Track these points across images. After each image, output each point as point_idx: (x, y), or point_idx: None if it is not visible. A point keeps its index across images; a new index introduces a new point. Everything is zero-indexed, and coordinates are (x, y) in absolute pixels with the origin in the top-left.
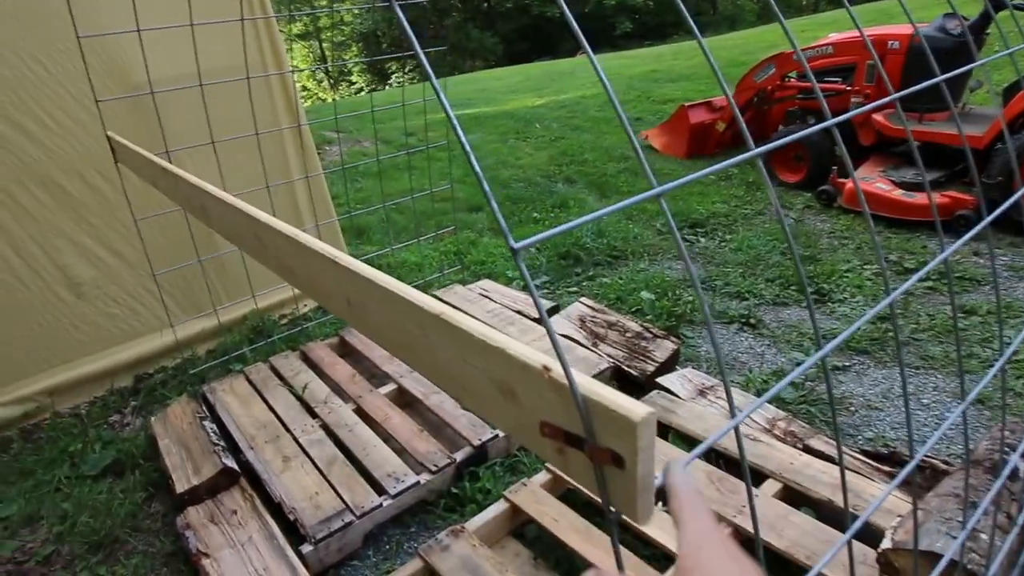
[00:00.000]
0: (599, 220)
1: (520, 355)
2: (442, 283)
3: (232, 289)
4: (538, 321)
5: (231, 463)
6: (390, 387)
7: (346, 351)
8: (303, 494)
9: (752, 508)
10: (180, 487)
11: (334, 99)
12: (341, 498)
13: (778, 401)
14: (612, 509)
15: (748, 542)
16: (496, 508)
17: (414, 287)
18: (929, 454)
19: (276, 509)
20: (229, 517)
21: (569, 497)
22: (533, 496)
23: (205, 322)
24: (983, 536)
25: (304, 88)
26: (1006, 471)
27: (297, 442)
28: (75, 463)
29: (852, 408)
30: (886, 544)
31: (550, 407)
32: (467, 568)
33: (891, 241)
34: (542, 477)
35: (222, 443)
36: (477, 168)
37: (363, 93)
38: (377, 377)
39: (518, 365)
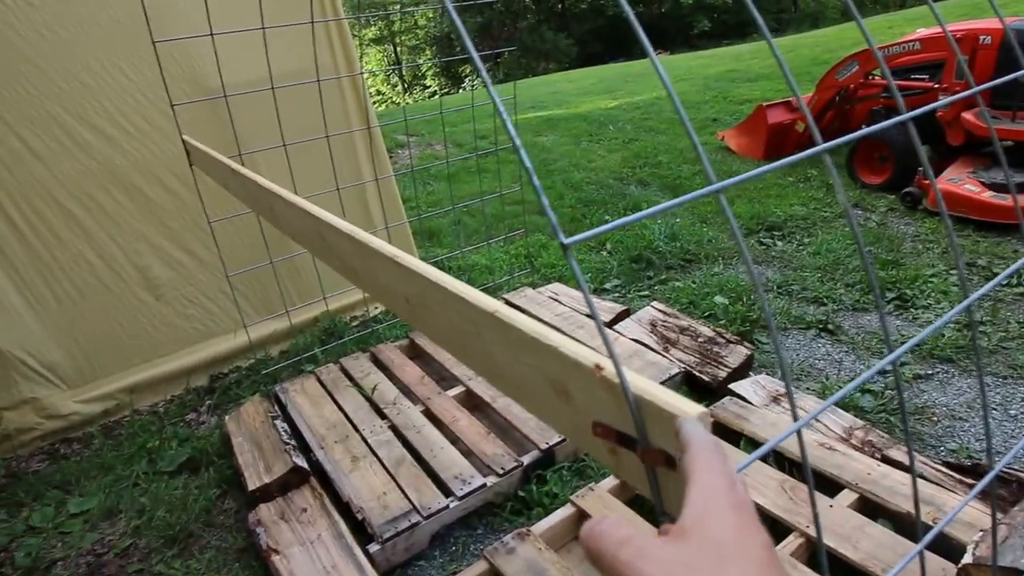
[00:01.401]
0: (672, 225)
1: (572, 353)
2: (512, 286)
3: (304, 291)
4: (610, 325)
5: (301, 462)
6: (458, 389)
7: (415, 353)
8: (371, 494)
9: (815, 513)
10: (252, 484)
11: (406, 103)
12: (408, 499)
13: (857, 410)
14: (664, 512)
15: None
16: (562, 512)
17: (483, 290)
18: (1014, 467)
19: (344, 508)
20: (299, 515)
21: (637, 502)
22: (600, 501)
23: (277, 323)
24: None
25: (378, 92)
26: None
27: (366, 442)
28: (153, 459)
29: (935, 418)
30: (967, 559)
31: (603, 406)
32: (532, 571)
33: (980, 245)
34: (610, 482)
35: (293, 442)
36: (527, 163)
37: (436, 97)
38: (446, 379)
39: (571, 363)
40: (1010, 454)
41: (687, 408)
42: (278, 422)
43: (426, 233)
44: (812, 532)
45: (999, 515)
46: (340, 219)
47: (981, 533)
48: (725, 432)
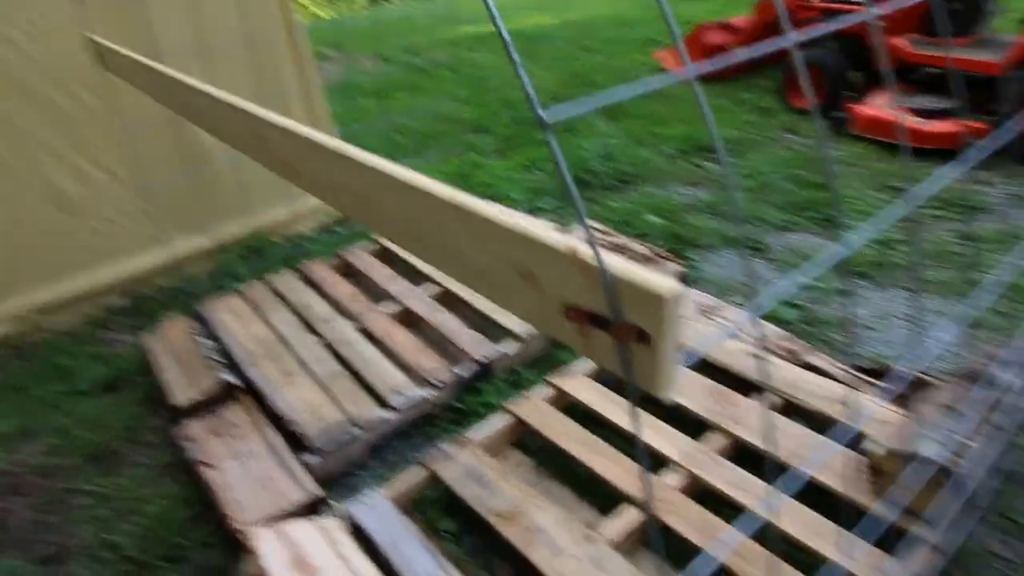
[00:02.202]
0: (608, 145)
1: (545, 238)
2: None
3: (226, 206)
4: None
5: (231, 378)
6: (393, 306)
7: (348, 271)
8: (306, 407)
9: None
10: (179, 401)
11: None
12: (344, 412)
13: (779, 322)
14: (635, 386)
15: (744, 450)
16: (499, 420)
17: None
18: (919, 370)
19: (278, 423)
20: (230, 430)
21: (571, 411)
22: (536, 408)
23: (199, 241)
24: (969, 443)
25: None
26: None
27: (299, 359)
28: (69, 379)
29: (850, 329)
30: (876, 449)
31: (574, 289)
32: (470, 475)
33: (899, 168)
34: (545, 391)
35: (221, 359)
36: (510, 42)
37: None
38: (380, 296)
39: (542, 248)
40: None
41: (663, 283)
42: (203, 340)
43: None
44: (737, 431)
45: (903, 411)
46: (277, 115)
47: (891, 427)
48: None
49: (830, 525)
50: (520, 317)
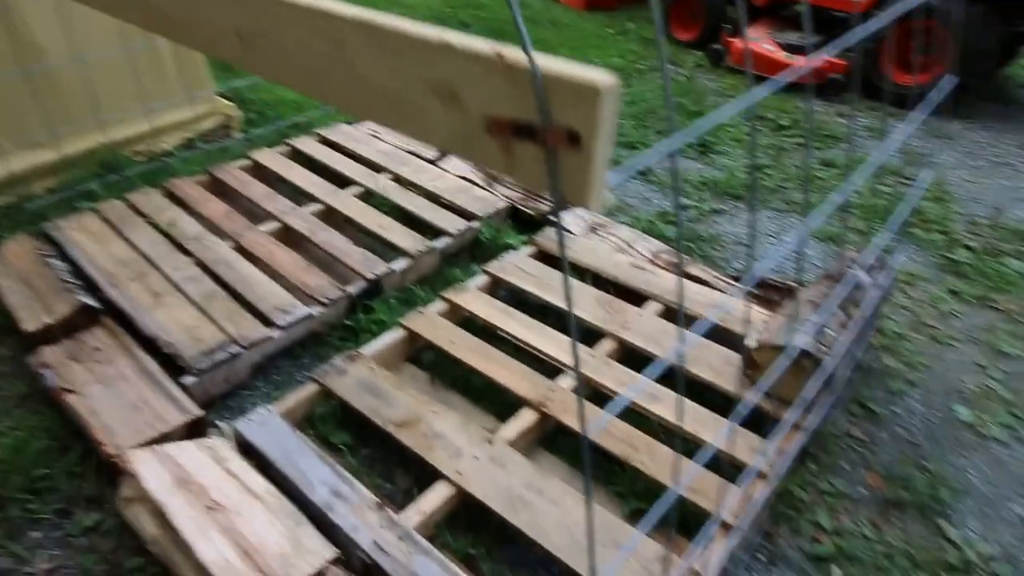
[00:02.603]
0: None
1: (467, 46)
2: (325, 122)
3: (74, 117)
4: (433, 163)
5: (90, 301)
6: (273, 225)
7: (220, 189)
8: (180, 328)
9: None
10: (30, 326)
11: None
12: (224, 331)
13: (662, 238)
14: (562, 196)
15: (631, 352)
16: (392, 335)
17: (293, 126)
18: (780, 277)
19: (149, 345)
20: (93, 355)
21: (466, 325)
22: (430, 323)
23: (42, 155)
24: (829, 332)
25: None
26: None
27: (168, 279)
28: None
29: (724, 244)
30: (751, 344)
31: (499, 98)
32: (364, 388)
33: (769, 100)
34: (439, 306)
35: (76, 281)
36: None
37: None
38: (257, 215)
39: (464, 57)
40: (763, 265)
41: (597, 76)
42: (54, 261)
43: (223, 63)
44: (624, 336)
45: (770, 313)
46: None
47: (761, 325)
48: (549, 258)
49: (709, 413)
50: (438, 144)
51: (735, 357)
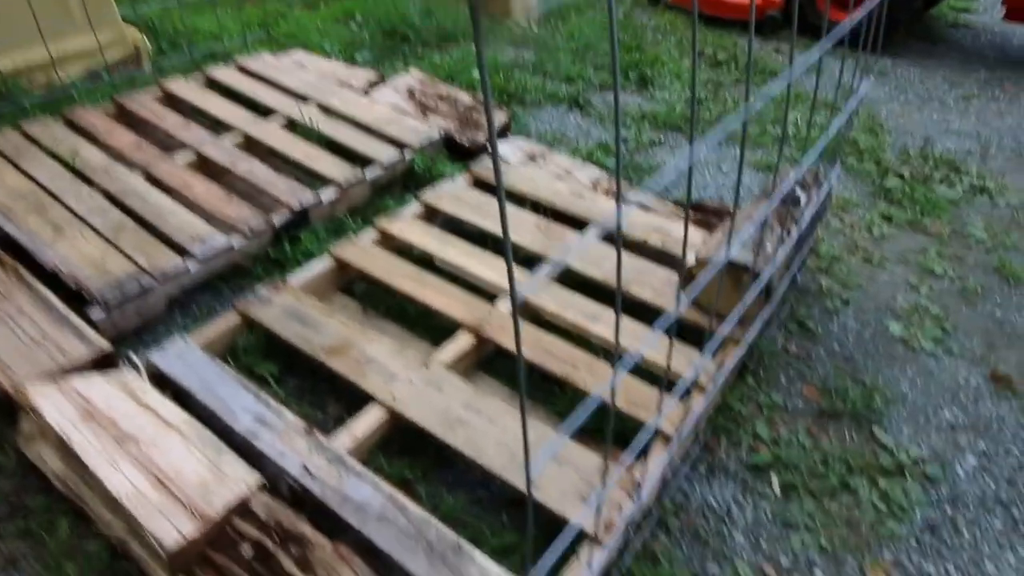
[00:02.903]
0: (428, 0)
1: None
2: (246, 51)
3: None
4: (362, 92)
5: None
6: (188, 155)
7: (128, 120)
8: (85, 261)
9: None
10: None
11: None
12: (136, 263)
13: (601, 167)
14: None
15: (570, 275)
16: (321, 263)
17: (210, 56)
18: (716, 201)
19: (52, 281)
20: None
21: (400, 254)
22: (361, 251)
23: None
24: (768, 246)
25: None
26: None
27: (71, 211)
28: None
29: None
30: (690, 262)
31: None
32: (291, 316)
33: (707, 36)
34: (371, 235)
35: None
36: None
37: None
38: (171, 147)
39: None
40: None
41: None
42: None
43: None
44: (564, 260)
45: (708, 234)
46: None
47: (698, 244)
48: (486, 187)
49: (649, 330)
50: None
51: (676, 278)
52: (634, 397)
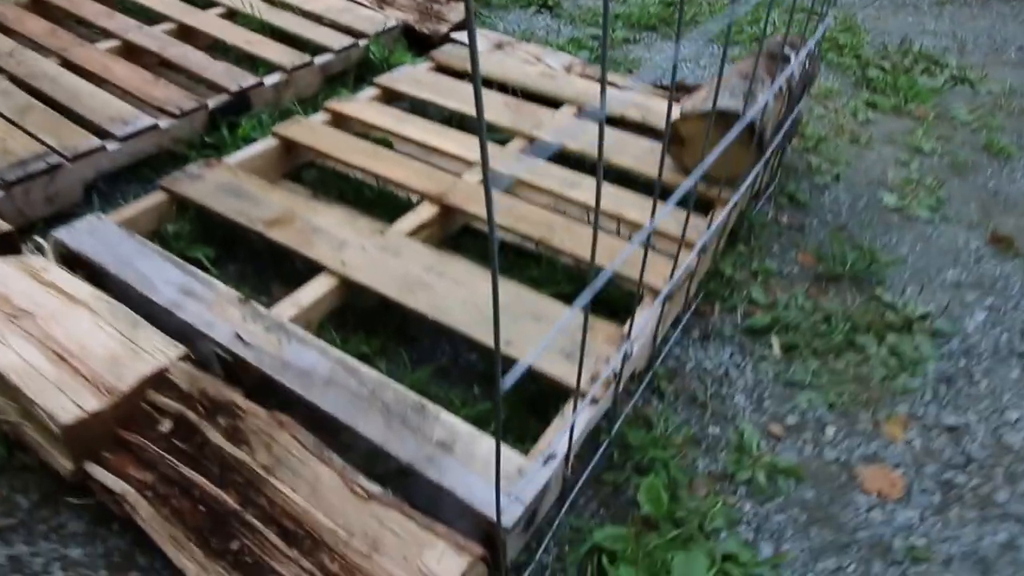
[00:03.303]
0: None
1: None
2: None
3: None
4: None
5: None
6: (112, 43)
7: (42, 10)
8: None
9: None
10: None
11: None
12: (42, 142)
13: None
14: None
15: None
16: (263, 143)
17: None
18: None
19: None
20: None
21: (355, 136)
22: (309, 129)
23: None
24: (758, 96)
25: None
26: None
27: None
28: None
29: (640, 65)
30: (675, 116)
31: None
32: (225, 191)
33: None
34: (321, 116)
35: None
36: None
37: None
38: (91, 36)
39: None
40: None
41: None
42: None
43: None
44: (535, 133)
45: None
46: None
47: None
48: (449, 71)
49: (631, 193)
50: None
51: (658, 147)
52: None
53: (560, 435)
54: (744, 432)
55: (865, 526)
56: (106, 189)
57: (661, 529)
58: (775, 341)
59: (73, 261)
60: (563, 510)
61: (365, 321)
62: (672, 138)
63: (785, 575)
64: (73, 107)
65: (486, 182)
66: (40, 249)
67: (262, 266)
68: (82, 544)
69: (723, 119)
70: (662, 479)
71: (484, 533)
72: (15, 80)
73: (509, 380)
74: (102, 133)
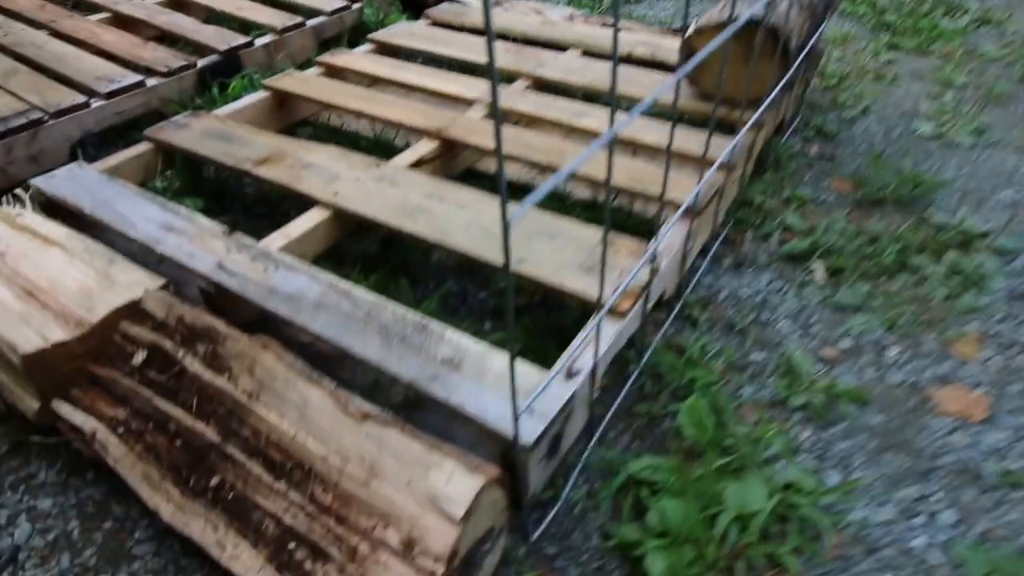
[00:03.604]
0: None
1: None
2: None
3: None
4: None
5: None
6: (101, 14)
7: None
8: None
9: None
10: None
11: None
12: (24, 100)
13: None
14: None
15: (549, 87)
16: (254, 96)
17: None
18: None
19: None
20: None
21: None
22: (302, 81)
23: None
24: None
25: None
26: None
27: None
28: None
29: (645, 23)
30: (690, 32)
31: None
32: (212, 135)
33: None
34: (314, 70)
35: None
36: None
37: None
38: (81, 9)
39: None
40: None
41: None
42: None
43: None
44: (542, 73)
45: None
46: None
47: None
48: (446, 26)
49: (645, 118)
50: None
51: (669, 78)
52: (638, 175)
53: (584, 352)
54: (793, 357)
55: (947, 451)
56: (94, 153)
57: (707, 458)
58: (818, 266)
59: (53, 210)
60: (592, 443)
61: (363, 261)
62: (687, 54)
63: (859, 505)
64: (59, 70)
65: (494, 91)
66: (19, 200)
67: (253, 217)
68: (52, 495)
69: (744, 33)
70: (705, 403)
71: (500, 457)
72: (2, 49)
73: (527, 206)
74: (88, 92)
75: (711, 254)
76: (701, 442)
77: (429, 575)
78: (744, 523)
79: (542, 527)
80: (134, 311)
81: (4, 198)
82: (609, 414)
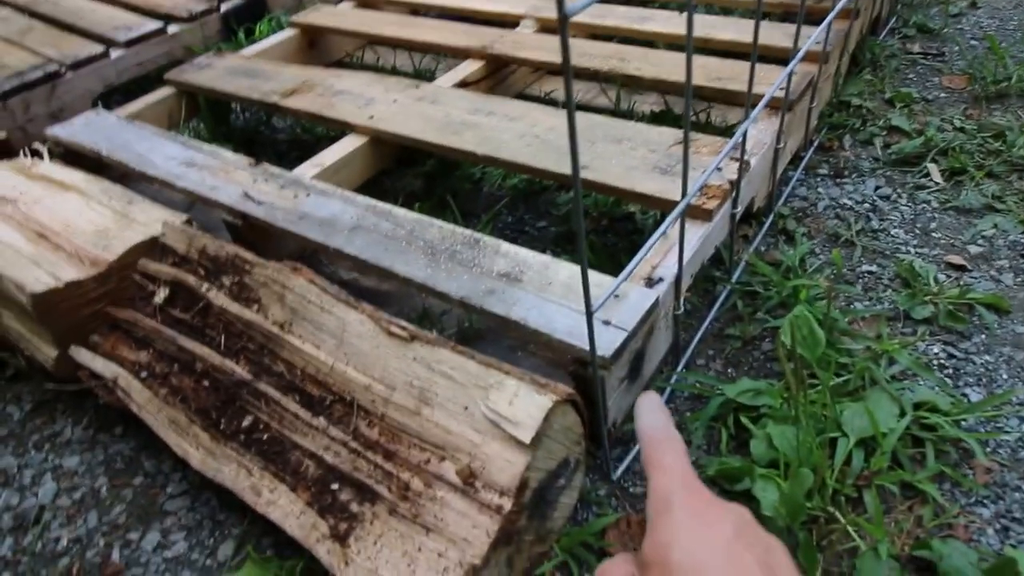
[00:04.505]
0: None
1: None
2: None
3: None
4: None
5: None
6: None
7: None
8: None
9: None
10: None
11: None
12: (41, 55)
13: None
14: None
15: None
16: (281, 35)
17: None
18: None
19: None
20: None
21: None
22: (333, 14)
23: None
24: None
25: None
26: None
27: None
28: None
29: None
30: None
31: None
32: (235, 72)
33: None
34: (348, 4)
35: None
36: None
37: None
38: None
39: None
40: None
41: None
42: None
43: None
44: None
45: None
46: None
47: None
48: None
49: (716, 17)
50: None
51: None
52: (716, 71)
53: (664, 260)
54: (914, 265)
55: None
56: (114, 104)
57: (822, 377)
58: (933, 168)
59: (71, 159)
60: (679, 368)
61: (406, 197)
62: None
63: (1011, 425)
64: (75, 23)
65: None
66: (37, 155)
67: (287, 161)
68: (79, 452)
69: None
70: (812, 316)
71: (574, 381)
72: (16, 7)
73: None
74: (106, 42)
75: (804, 162)
76: (811, 358)
77: (495, 510)
78: (871, 447)
79: (625, 463)
80: (155, 248)
81: (21, 151)
82: (697, 337)
